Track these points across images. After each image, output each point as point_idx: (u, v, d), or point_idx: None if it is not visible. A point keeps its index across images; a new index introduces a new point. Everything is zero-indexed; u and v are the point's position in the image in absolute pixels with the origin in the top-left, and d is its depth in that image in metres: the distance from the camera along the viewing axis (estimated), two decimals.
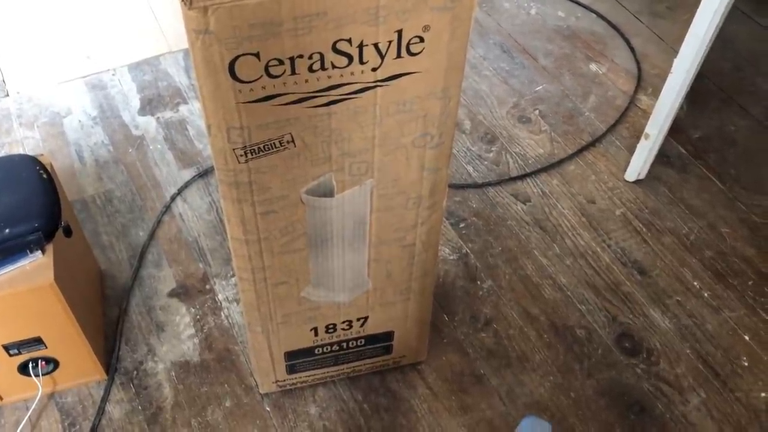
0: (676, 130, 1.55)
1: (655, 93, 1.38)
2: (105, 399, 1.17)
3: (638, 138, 1.43)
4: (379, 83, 0.73)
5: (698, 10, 1.18)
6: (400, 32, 0.69)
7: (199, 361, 1.22)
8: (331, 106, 0.74)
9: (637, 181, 1.48)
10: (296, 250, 0.91)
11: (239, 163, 0.77)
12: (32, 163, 1.09)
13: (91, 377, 1.18)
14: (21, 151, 1.54)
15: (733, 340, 1.24)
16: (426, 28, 0.70)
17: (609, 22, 1.84)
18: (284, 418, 1.15)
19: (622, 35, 1.81)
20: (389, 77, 0.73)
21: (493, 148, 1.56)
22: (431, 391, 1.18)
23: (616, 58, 1.75)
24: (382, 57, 0.71)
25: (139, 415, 1.16)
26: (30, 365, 1.10)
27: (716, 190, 1.46)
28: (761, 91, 1.65)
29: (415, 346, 1.17)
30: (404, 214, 0.91)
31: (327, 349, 1.10)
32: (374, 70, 0.72)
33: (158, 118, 1.62)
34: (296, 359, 1.10)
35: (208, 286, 1.32)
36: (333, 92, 0.73)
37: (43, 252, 1.00)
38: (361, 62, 0.71)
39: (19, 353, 1.08)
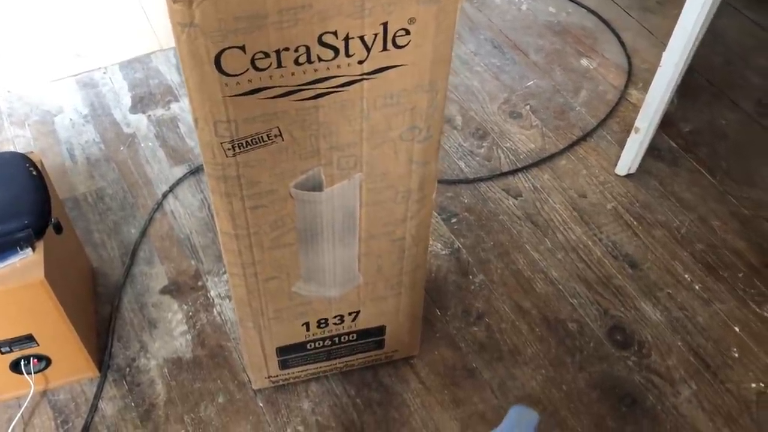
0: (666, 123, 1.56)
1: (646, 87, 1.39)
2: (98, 396, 1.17)
3: (629, 132, 1.43)
4: (365, 76, 0.74)
5: (686, 4, 1.19)
6: (385, 25, 0.69)
7: (191, 358, 1.22)
8: (318, 99, 0.74)
9: (628, 175, 1.48)
10: (286, 244, 0.91)
11: (227, 156, 0.77)
12: (22, 160, 1.09)
13: (84, 374, 1.18)
14: (12, 150, 1.54)
15: (724, 332, 1.25)
16: (412, 21, 0.70)
17: (599, 17, 1.85)
18: (277, 413, 1.15)
19: (613, 30, 1.81)
20: (376, 70, 0.73)
21: (484, 144, 1.56)
22: (424, 385, 1.19)
23: (606, 53, 1.76)
24: (368, 50, 0.71)
25: (132, 411, 1.16)
26: (22, 363, 1.10)
27: (707, 184, 1.47)
28: (751, 85, 1.66)
29: (407, 341, 1.17)
30: (394, 208, 0.91)
31: (319, 344, 1.11)
32: (360, 63, 0.72)
33: (149, 115, 1.61)
34: (288, 354, 1.11)
35: (200, 283, 1.32)
36: (320, 85, 0.73)
37: (34, 249, 1.00)
38: (347, 55, 0.71)
39: (11, 351, 1.08)
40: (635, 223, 1.40)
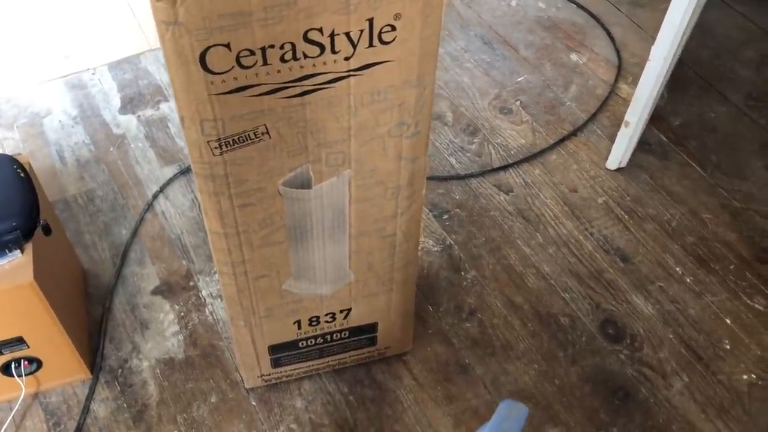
0: (656, 117, 1.56)
1: (636, 81, 1.39)
2: (90, 398, 1.17)
3: (619, 126, 1.44)
4: (352, 73, 0.73)
5: None
6: (371, 21, 0.69)
7: (183, 358, 1.22)
8: (305, 96, 0.74)
9: (618, 169, 1.49)
10: (276, 242, 0.91)
11: (214, 155, 0.77)
12: (9, 162, 1.08)
13: (76, 376, 1.18)
14: None
15: (715, 324, 1.25)
16: (397, 17, 0.70)
17: (589, 12, 1.85)
18: (270, 412, 1.15)
19: (602, 25, 1.82)
20: (362, 66, 0.73)
21: (475, 140, 1.56)
22: (417, 381, 1.19)
23: (596, 48, 1.76)
24: (354, 46, 0.71)
25: (125, 413, 1.15)
26: (12, 365, 1.09)
27: (697, 177, 1.47)
28: (740, 78, 1.67)
29: (399, 338, 1.17)
30: (383, 205, 0.91)
31: (311, 342, 1.11)
32: (347, 59, 0.72)
33: (139, 116, 1.61)
34: (280, 353, 1.11)
35: (191, 283, 1.31)
36: (306, 82, 0.73)
37: (22, 251, 1.00)
38: (333, 52, 0.71)
39: (1, 353, 1.07)
40: (626, 216, 1.41)
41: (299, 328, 1.07)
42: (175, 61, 0.67)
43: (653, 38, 1.27)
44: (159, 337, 1.24)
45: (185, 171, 1.49)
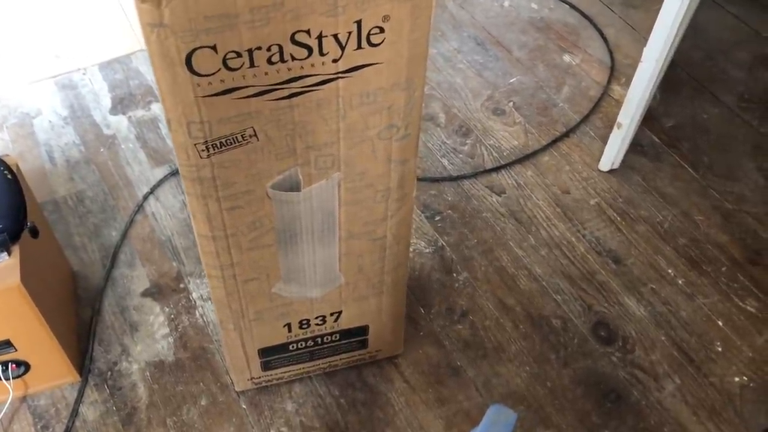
0: (649, 119, 1.56)
1: (628, 83, 1.39)
2: (78, 401, 1.16)
3: (612, 128, 1.43)
4: (340, 75, 0.73)
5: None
6: (359, 23, 0.69)
7: (173, 361, 1.21)
8: (293, 98, 0.74)
9: (611, 171, 1.48)
10: (265, 245, 0.90)
11: (201, 158, 0.76)
12: None
13: (64, 379, 1.17)
14: None
15: (707, 326, 1.25)
16: (386, 18, 0.69)
17: (582, 13, 1.85)
18: (260, 415, 1.14)
19: (595, 26, 1.81)
20: (351, 69, 0.73)
21: (467, 141, 1.56)
22: (408, 384, 1.18)
23: (589, 49, 1.76)
24: (343, 48, 0.70)
25: (114, 416, 1.15)
26: (0, 369, 1.08)
27: (689, 178, 1.47)
28: (732, 79, 1.67)
29: (390, 340, 1.17)
30: (374, 207, 0.91)
31: (301, 344, 1.10)
32: (335, 61, 0.71)
33: (130, 116, 1.60)
34: (271, 356, 1.10)
35: (182, 285, 1.31)
36: (294, 84, 0.72)
37: (9, 253, 0.99)
38: (321, 54, 0.70)
39: None
40: (618, 218, 1.40)
41: (289, 331, 1.06)
42: (161, 64, 0.66)
43: (646, 39, 1.26)
44: (149, 339, 1.23)
45: (176, 172, 1.48)
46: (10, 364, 1.09)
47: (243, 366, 1.11)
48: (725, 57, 1.72)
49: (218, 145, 0.75)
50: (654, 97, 1.52)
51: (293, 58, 0.70)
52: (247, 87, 0.71)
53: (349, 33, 0.69)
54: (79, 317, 1.26)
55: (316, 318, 1.05)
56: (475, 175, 1.49)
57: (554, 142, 1.54)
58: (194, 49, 0.66)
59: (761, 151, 1.52)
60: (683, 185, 1.46)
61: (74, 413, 1.14)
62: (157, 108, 1.62)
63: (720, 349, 1.22)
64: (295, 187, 0.84)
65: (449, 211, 1.42)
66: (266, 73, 0.70)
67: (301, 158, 0.80)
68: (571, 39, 1.79)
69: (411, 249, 1.31)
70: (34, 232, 1.04)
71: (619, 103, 1.58)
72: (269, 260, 0.92)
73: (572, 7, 1.87)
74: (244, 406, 1.15)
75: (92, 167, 1.50)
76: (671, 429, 1.13)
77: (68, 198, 1.44)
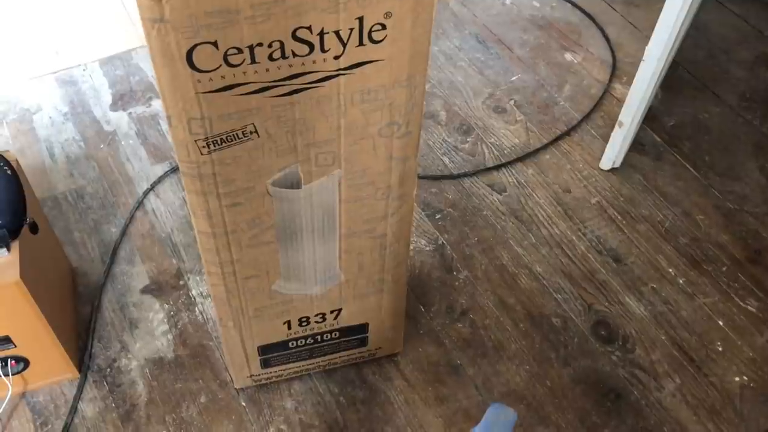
0: (650, 118, 1.55)
1: (630, 81, 1.38)
2: (77, 397, 1.16)
3: (613, 126, 1.43)
4: (342, 72, 0.72)
5: None
6: (361, 19, 0.68)
7: (173, 357, 1.21)
8: (294, 95, 0.73)
9: (612, 170, 1.48)
10: (265, 242, 0.90)
11: (202, 154, 0.75)
12: None
13: (63, 376, 1.17)
14: None
15: (708, 326, 1.25)
16: (388, 15, 0.69)
17: (584, 12, 1.84)
18: (260, 412, 1.14)
19: (597, 24, 1.81)
20: (352, 65, 0.72)
21: (468, 139, 1.55)
22: (408, 382, 1.18)
23: (590, 48, 1.75)
24: (344, 45, 0.70)
25: (113, 412, 1.14)
26: None
27: (691, 178, 1.47)
28: (734, 79, 1.66)
29: (390, 338, 1.16)
30: (374, 205, 0.90)
31: (301, 342, 1.10)
32: (336, 58, 0.71)
33: (130, 113, 1.60)
34: (270, 353, 1.10)
35: (181, 282, 1.30)
36: (295, 81, 0.72)
37: (9, 249, 0.98)
38: (323, 50, 0.70)
39: None
40: (619, 217, 1.40)
41: (289, 328, 1.06)
42: (161, 59, 0.66)
43: (648, 38, 1.26)
44: (148, 336, 1.23)
45: (176, 169, 1.48)
46: (9, 360, 1.08)
47: (242, 363, 1.10)
48: (727, 56, 1.71)
49: (218, 142, 0.75)
50: (655, 96, 1.52)
51: (294, 55, 0.69)
52: (247, 83, 0.70)
53: (351, 29, 0.69)
54: (78, 314, 1.26)
55: (316, 315, 1.05)
56: (475, 173, 1.48)
57: (555, 140, 1.54)
58: (195, 45, 0.66)
59: (763, 151, 1.51)
60: (684, 184, 1.46)
61: (73, 410, 1.14)
62: (157, 104, 1.61)
63: (720, 348, 1.22)
64: (295, 185, 0.83)
65: (450, 209, 1.42)
66: (267, 70, 0.70)
67: (302, 155, 0.80)
68: (572, 37, 1.78)
69: (411, 247, 1.30)
70: (34, 228, 1.03)
71: (620, 102, 1.57)
72: (269, 257, 0.92)
73: (574, 5, 1.86)
74: (243, 404, 1.15)
75: (92, 163, 1.50)
76: (671, 428, 1.13)
77: (68, 194, 1.44)
